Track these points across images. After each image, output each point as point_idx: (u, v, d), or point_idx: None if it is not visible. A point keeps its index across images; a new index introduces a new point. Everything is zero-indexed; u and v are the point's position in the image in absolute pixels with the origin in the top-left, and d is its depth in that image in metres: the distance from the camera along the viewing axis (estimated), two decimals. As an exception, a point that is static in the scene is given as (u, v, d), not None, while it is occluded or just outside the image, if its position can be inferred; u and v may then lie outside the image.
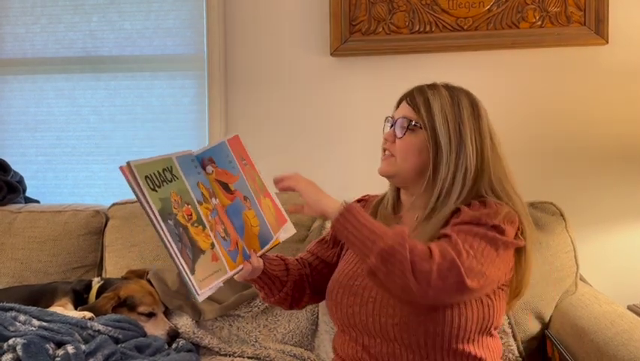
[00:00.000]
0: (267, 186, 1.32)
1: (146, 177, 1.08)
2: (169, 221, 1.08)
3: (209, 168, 1.24)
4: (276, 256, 1.41)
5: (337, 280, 1.35)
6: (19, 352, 1.48)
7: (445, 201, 1.27)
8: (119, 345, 1.65)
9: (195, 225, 1.13)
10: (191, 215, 1.13)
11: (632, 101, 2.22)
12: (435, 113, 1.29)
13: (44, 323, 1.63)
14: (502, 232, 1.19)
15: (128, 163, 1.07)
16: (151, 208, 1.07)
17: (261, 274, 1.33)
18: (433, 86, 1.35)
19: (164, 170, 1.11)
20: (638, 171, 2.21)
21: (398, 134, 1.32)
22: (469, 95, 1.35)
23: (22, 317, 1.65)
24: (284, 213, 1.34)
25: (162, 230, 1.07)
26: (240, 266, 1.21)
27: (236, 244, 1.21)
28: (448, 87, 1.35)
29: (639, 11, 2.22)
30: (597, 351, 1.49)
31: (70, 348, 1.52)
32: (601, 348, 1.49)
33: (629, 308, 1.98)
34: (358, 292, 1.28)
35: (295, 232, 1.34)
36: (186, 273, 1.08)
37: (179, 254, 1.08)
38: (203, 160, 1.23)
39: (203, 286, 1.10)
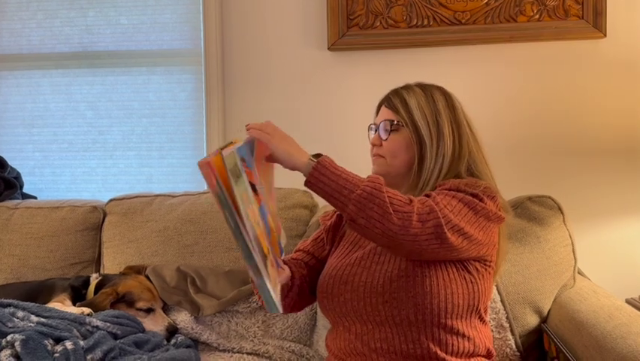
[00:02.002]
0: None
1: (231, 169, 0.98)
2: (246, 222, 0.98)
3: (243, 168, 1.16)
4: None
5: (328, 274, 1.38)
6: (18, 348, 1.48)
7: (427, 183, 1.35)
8: (118, 341, 1.65)
9: (259, 226, 1.05)
10: (255, 217, 1.04)
11: (630, 94, 2.22)
12: (413, 110, 1.37)
13: (43, 319, 1.62)
14: (481, 199, 1.26)
15: (220, 153, 0.95)
16: (237, 205, 0.95)
17: None
18: (407, 87, 1.42)
19: (234, 165, 1.00)
20: (636, 164, 2.21)
21: (383, 137, 1.40)
22: (441, 89, 1.42)
23: (20, 313, 1.65)
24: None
25: (245, 230, 0.96)
26: (283, 275, 1.20)
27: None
28: (421, 85, 1.42)
29: (637, 4, 2.22)
30: (595, 344, 1.50)
31: (68, 344, 1.52)
32: (599, 341, 1.49)
33: (628, 301, 1.98)
34: (349, 280, 1.32)
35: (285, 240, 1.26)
36: (267, 285, 1.00)
37: (261, 264, 0.99)
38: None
39: (276, 293, 1.04)
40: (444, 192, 1.25)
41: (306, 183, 1.19)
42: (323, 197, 1.18)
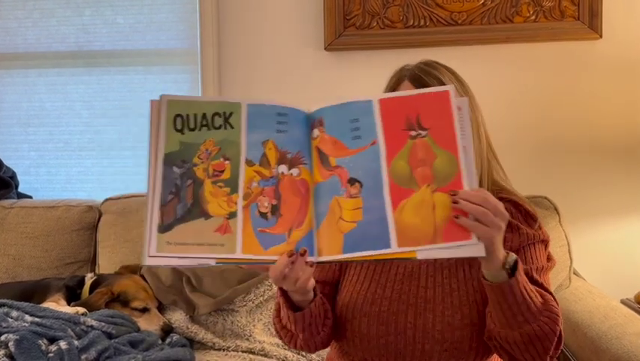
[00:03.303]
0: (463, 178, 0.92)
1: (178, 115, 0.94)
2: (174, 168, 0.93)
3: (316, 132, 0.99)
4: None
5: (354, 308, 1.16)
6: (12, 348, 1.47)
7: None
8: (113, 340, 1.64)
9: (219, 184, 0.93)
10: (222, 172, 0.94)
11: (626, 94, 2.23)
12: None
13: (37, 319, 1.62)
14: (547, 245, 1.19)
15: (161, 96, 0.94)
16: (156, 147, 0.93)
17: (307, 306, 1.09)
18: (431, 65, 1.21)
19: (214, 114, 0.94)
20: (632, 165, 2.22)
21: None
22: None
23: (14, 313, 1.64)
24: (467, 225, 0.91)
25: (154, 172, 0.92)
26: (274, 257, 0.93)
27: (290, 229, 0.95)
28: (443, 65, 1.23)
29: (633, 5, 2.22)
30: (591, 345, 1.50)
31: (63, 344, 1.51)
32: (595, 342, 1.49)
33: (623, 302, 1.98)
34: (390, 320, 1.13)
35: (483, 255, 0.92)
36: (149, 227, 0.90)
37: (156, 203, 0.91)
38: (313, 121, 0.99)
39: (167, 251, 0.90)
40: (539, 268, 1.11)
41: (485, 282, 1.00)
42: (497, 302, 1.00)
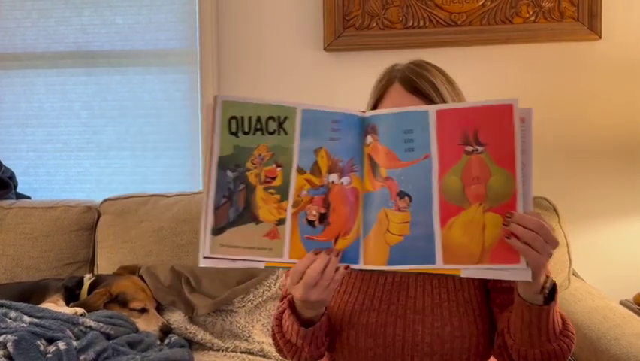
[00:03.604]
0: (518, 199, 0.90)
1: (233, 117, 0.95)
2: (228, 172, 0.95)
3: (369, 139, 0.98)
4: None
5: (342, 320, 1.14)
6: (10, 349, 1.47)
7: None
8: (111, 341, 1.64)
9: (270, 190, 0.96)
10: (273, 178, 0.96)
11: (625, 95, 2.23)
12: (447, 100, 1.11)
13: (35, 320, 1.61)
14: None
15: (215, 97, 0.95)
16: (211, 150, 0.94)
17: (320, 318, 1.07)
18: (422, 66, 1.17)
19: (269, 118, 0.95)
20: (631, 166, 2.22)
21: None
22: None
23: (13, 314, 1.64)
24: (519, 248, 0.89)
25: (209, 175, 0.94)
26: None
27: (336, 237, 0.96)
28: (433, 65, 1.19)
29: (632, 6, 2.22)
30: (590, 346, 1.50)
31: (61, 344, 1.51)
32: (594, 343, 1.49)
33: (622, 303, 1.98)
34: (378, 332, 1.11)
35: (530, 280, 0.92)
36: (204, 229, 0.94)
37: (210, 206, 0.95)
38: (367, 126, 0.98)
39: (220, 253, 0.95)
40: None
41: (523, 302, 0.98)
42: (516, 319, 1.00)
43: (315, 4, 2.33)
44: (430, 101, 1.10)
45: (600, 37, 2.20)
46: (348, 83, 2.34)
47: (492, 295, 1.14)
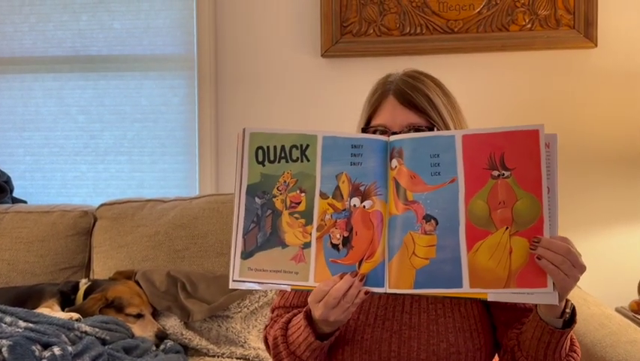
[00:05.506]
0: (545, 223, 0.92)
1: (259, 147, 1.01)
2: (256, 198, 1.00)
3: (394, 163, 0.98)
4: None
5: (337, 336, 1.11)
6: (5, 353, 1.46)
7: None
8: (106, 346, 1.64)
9: (295, 215, 1.00)
10: (298, 203, 1.00)
11: (621, 103, 2.24)
12: (443, 113, 1.11)
13: (31, 325, 1.61)
14: None
15: (244, 129, 1.01)
16: (241, 179, 1.00)
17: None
18: (416, 78, 1.16)
19: (292, 146, 1.00)
20: (627, 173, 2.23)
21: None
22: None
23: (8, 319, 1.63)
24: (549, 270, 0.91)
25: (239, 202, 0.99)
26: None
27: (360, 261, 0.98)
28: (422, 73, 1.18)
29: (628, 15, 2.24)
30: (586, 353, 1.50)
31: (56, 350, 1.50)
32: (589, 350, 1.49)
33: (617, 310, 1.99)
34: (373, 349, 1.09)
35: (556, 303, 0.94)
36: (234, 253, 0.99)
37: (240, 231, 1.00)
38: (392, 150, 0.99)
39: (248, 276, 0.99)
40: None
41: (544, 324, 0.99)
42: (532, 339, 1.01)
43: (312, 10, 2.34)
44: (424, 114, 1.10)
45: (596, 46, 2.22)
46: (346, 89, 2.34)
47: (495, 313, 1.14)
